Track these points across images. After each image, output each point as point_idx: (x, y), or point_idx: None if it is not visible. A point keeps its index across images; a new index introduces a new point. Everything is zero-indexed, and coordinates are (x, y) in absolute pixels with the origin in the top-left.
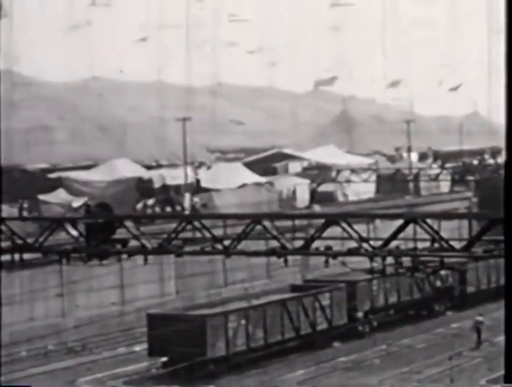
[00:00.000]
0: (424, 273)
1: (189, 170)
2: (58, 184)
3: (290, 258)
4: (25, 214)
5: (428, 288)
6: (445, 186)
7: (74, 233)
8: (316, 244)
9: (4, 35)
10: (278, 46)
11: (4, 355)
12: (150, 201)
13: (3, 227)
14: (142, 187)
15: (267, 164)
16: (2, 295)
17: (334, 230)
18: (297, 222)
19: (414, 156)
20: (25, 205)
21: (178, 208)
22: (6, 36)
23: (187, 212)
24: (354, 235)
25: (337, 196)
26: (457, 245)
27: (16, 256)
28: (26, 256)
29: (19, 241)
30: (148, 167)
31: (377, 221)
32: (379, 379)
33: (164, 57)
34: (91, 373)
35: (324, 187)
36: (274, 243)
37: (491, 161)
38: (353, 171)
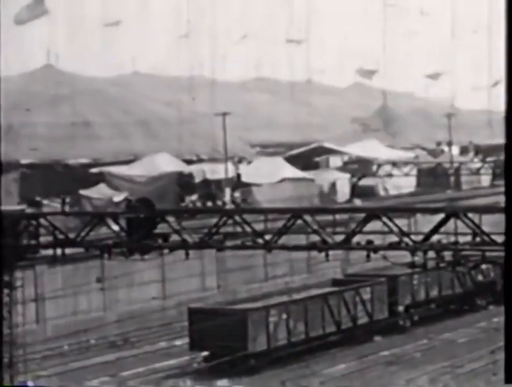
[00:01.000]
0: (465, 267)
1: (230, 164)
2: (99, 178)
3: (330, 252)
4: (67, 209)
5: (469, 282)
6: (486, 180)
7: (115, 227)
8: (357, 238)
9: (44, 31)
10: (320, 40)
11: (46, 349)
12: (194, 197)
13: (45, 222)
14: (183, 182)
15: (307, 159)
16: (45, 290)
17: (375, 225)
18: (338, 216)
19: (455, 150)
20: (67, 200)
21: (219, 202)
22: (47, 32)
23: (228, 207)
24: (395, 229)
25: (378, 191)
26: (499, 239)
27: (58, 251)
28: (68, 250)
29: (61, 236)
30: (189, 162)
31: (418, 215)
32: (421, 373)
33: (205, 52)
34: (133, 367)
35: (365, 181)
36: (315, 238)
37: None
38: (394, 165)
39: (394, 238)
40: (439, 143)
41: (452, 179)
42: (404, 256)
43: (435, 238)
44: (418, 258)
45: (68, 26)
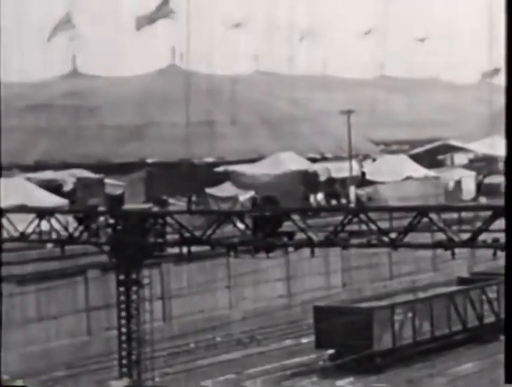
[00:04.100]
0: None
1: (354, 162)
2: (224, 177)
3: (456, 250)
4: (193, 207)
5: None
6: None
7: (241, 226)
8: (483, 236)
9: (169, 31)
10: (442, 38)
11: (173, 346)
12: (319, 195)
13: (171, 220)
14: (308, 180)
15: (432, 156)
16: (171, 288)
17: (502, 223)
18: (464, 214)
19: None
20: (193, 199)
21: (343, 201)
22: (171, 32)
23: (352, 205)
24: None
25: (504, 188)
26: None
27: (185, 249)
28: (194, 248)
29: (187, 234)
30: (313, 160)
31: None
32: None
33: (329, 50)
34: (259, 364)
35: (491, 179)
36: (440, 236)
37: None
38: None
39: None
40: None
41: None
42: None
43: None
44: None
45: (192, 26)
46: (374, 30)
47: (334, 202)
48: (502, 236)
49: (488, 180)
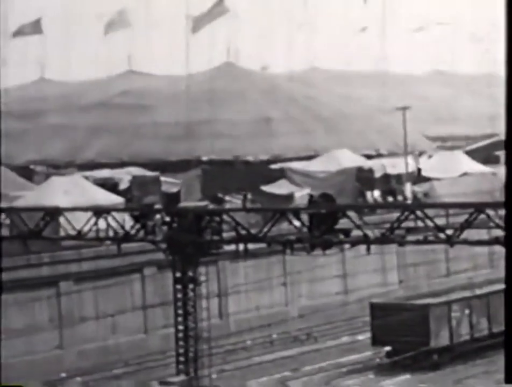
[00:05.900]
0: None
1: (410, 159)
2: (280, 175)
3: None
4: (248, 205)
5: None
6: None
7: (297, 223)
8: None
9: (224, 30)
10: (497, 33)
11: (229, 344)
12: (376, 192)
13: (228, 218)
14: (363, 177)
15: (488, 152)
16: (228, 285)
17: None
18: None
19: None
20: (248, 196)
21: (399, 197)
22: (227, 31)
23: (409, 202)
24: None
25: None
26: None
27: (241, 246)
28: (250, 246)
29: (243, 232)
30: (368, 157)
31: None
32: None
33: (384, 45)
34: (315, 362)
35: None
36: (497, 232)
37: None
38: None
39: None
40: None
41: None
42: None
43: None
44: None
45: (248, 24)
46: (428, 26)
47: (390, 199)
48: None
49: None
